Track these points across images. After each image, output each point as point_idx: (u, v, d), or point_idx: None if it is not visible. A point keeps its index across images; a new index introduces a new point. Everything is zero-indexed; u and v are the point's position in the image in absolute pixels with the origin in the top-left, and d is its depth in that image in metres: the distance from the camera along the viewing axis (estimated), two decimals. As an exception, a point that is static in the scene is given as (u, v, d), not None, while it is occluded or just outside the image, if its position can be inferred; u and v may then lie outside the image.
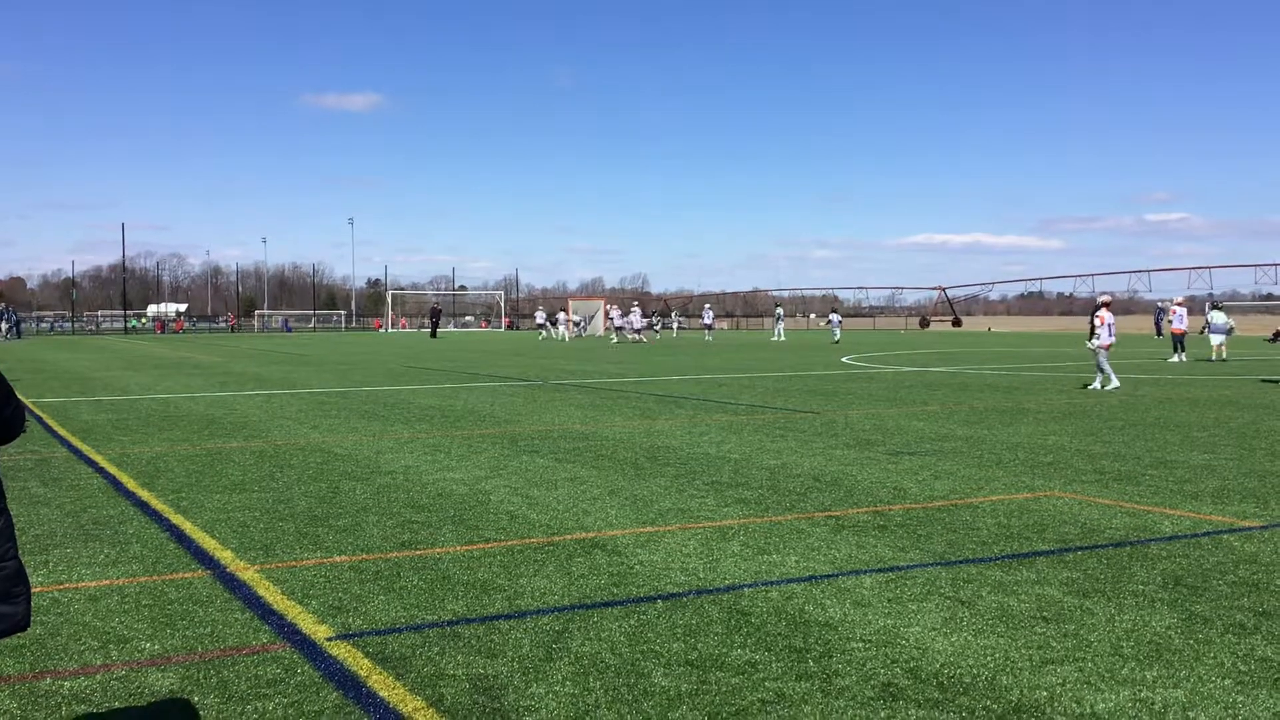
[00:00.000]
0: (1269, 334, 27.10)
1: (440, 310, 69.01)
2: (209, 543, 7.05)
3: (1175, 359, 29.43)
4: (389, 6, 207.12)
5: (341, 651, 4.82)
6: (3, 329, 62.07)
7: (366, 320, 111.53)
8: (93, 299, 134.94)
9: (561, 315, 58.79)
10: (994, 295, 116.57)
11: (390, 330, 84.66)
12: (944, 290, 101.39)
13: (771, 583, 5.95)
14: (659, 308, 79.17)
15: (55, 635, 5.09)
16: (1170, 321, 31.24)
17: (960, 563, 6.40)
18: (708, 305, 73.26)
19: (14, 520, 8.05)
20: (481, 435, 12.97)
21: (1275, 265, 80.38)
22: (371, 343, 54.93)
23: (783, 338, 52.48)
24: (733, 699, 4.24)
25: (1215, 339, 29.86)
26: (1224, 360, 29.20)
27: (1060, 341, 51.22)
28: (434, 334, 64.08)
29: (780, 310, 60.04)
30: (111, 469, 10.39)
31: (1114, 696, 4.24)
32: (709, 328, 64.62)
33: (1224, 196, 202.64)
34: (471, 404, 17.32)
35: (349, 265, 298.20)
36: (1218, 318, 30.31)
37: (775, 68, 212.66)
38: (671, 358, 34.65)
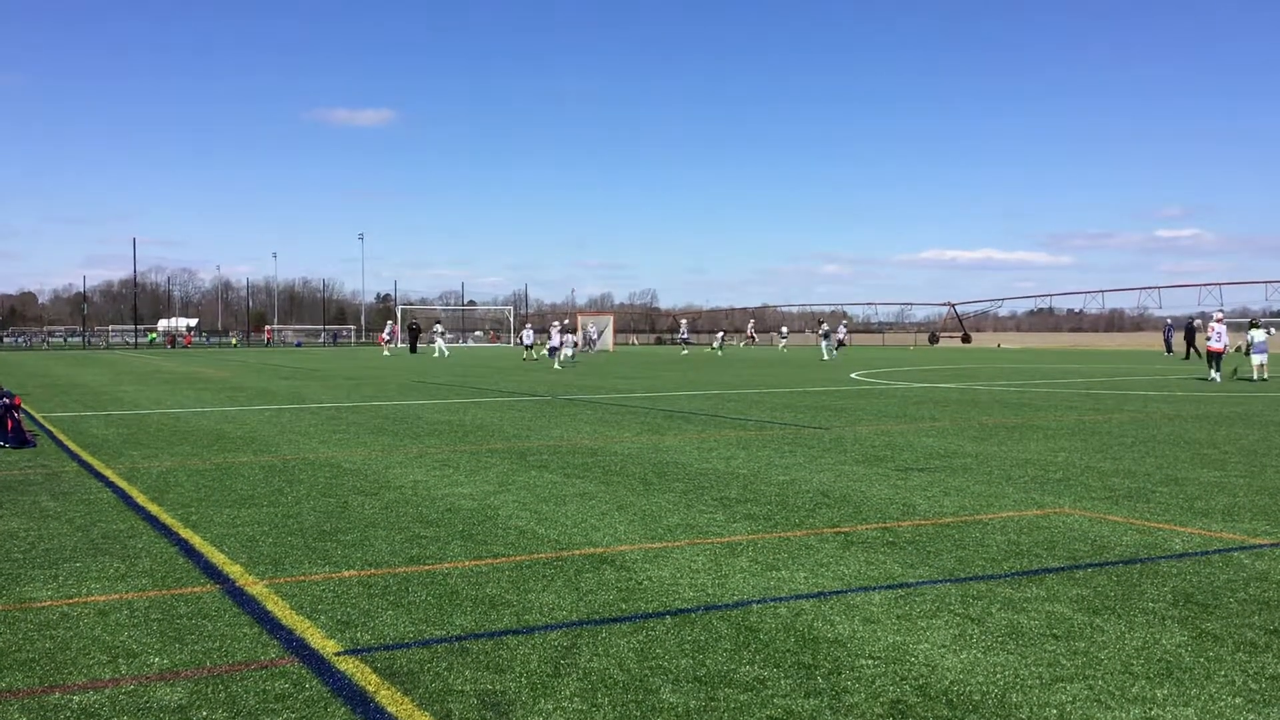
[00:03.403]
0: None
1: (419, 328, 69.26)
2: (218, 557, 7.06)
3: (1214, 377, 27.81)
4: (401, 23, 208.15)
5: (349, 666, 4.82)
6: None
7: (375, 335, 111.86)
8: (103, 313, 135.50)
9: (527, 331, 54.35)
10: (1003, 311, 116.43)
11: (399, 345, 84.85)
12: (953, 306, 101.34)
13: (780, 599, 5.94)
14: (681, 323, 79.81)
15: (64, 649, 5.10)
16: (1208, 339, 29.26)
17: (970, 580, 6.38)
18: (684, 321, 77.26)
19: (25, 534, 8.04)
20: (490, 450, 12.98)
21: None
22: (380, 358, 55.04)
23: (833, 356, 47.88)
24: (741, 716, 4.23)
25: (1257, 358, 28.31)
26: (1265, 380, 27.94)
27: (1070, 358, 51.11)
28: (413, 349, 64.33)
29: (825, 326, 55.93)
30: (121, 483, 10.42)
31: (1124, 715, 4.22)
32: (686, 342, 67.63)
33: (1236, 212, 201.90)
34: (480, 419, 17.34)
35: (359, 280, 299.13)
36: (1258, 335, 28.70)
37: (784, 83, 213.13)
38: (681, 373, 34.67)
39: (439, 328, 62.14)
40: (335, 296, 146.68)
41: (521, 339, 55.10)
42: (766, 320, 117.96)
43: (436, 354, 55.78)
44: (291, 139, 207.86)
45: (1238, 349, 32.06)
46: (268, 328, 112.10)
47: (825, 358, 47.46)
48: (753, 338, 78.74)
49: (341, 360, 51.46)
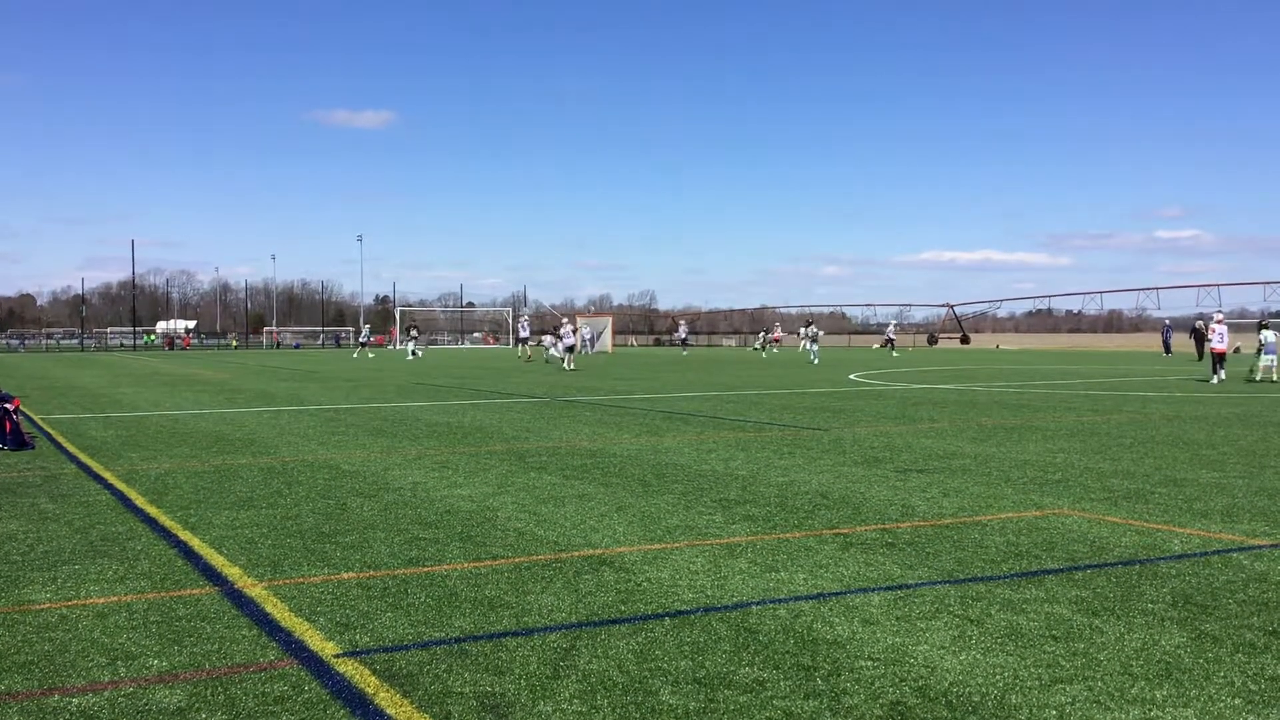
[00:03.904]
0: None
1: (418, 329, 69.61)
2: (217, 559, 7.06)
3: (1214, 379, 27.42)
4: (400, 24, 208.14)
5: (349, 668, 4.82)
6: None
7: (375, 337, 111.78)
8: (102, 315, 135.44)
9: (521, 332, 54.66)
10: (1002, 313, 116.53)
11: (396, 347, 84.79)
12: (952, 307, 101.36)
13: (779, 600, 5.94)
14: (680, 325, 78.90)
15: (64, 652, 5.09)
16: (1210, 340, 28.91)
17: (969, 581, 6.38)
18: (682, 322, 76.66)
19: (23, 536, 8.05)
20: (489, 452, 12.98)
21: (1284, 282, 79.97)
22: (379, 359, 55.00)
23: (815, 361, 45.67)
24: (741, 717, 4.23)
25: (1267, 359, 28.06)
26: (1275, 381, 27.65)
27: (1068, 359, 51.13)
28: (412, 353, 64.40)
29: (814, 329, 50.56)
30: (120, 485, 10.41)
31: (1123, 716, 4.22)
32: (685, 343, 67.30)
33: (1236, 213, 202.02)
34: (479, 420, 17.33)
35: (358, 282, 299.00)
36: (1269, 337, 28.35)
37: (783, 84, 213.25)
38: (679, 375, 34.67)
39: (413, 331, 61.86)
40: (334, 298, 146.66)
41: (517, 332, 54.64)
42: (765, 321, 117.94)
43: (409, 356, 55.02)
44: (291, 140, 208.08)
45: (1236, 350, 31.78)
46: (275, 330, 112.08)
47: (814, 361, 46.07)
48: (778, 339, 75.71)
49: (340, 362, 51.45)
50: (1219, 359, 28.17)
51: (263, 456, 12.66)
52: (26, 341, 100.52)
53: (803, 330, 49.69)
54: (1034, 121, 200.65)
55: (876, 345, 66.87)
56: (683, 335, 70.42)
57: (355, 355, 61.47)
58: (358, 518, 8.56)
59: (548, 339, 51.19)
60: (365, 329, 70.67)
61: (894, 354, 57.56)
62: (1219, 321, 28.89)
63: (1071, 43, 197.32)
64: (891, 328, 67.70)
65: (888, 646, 5.09)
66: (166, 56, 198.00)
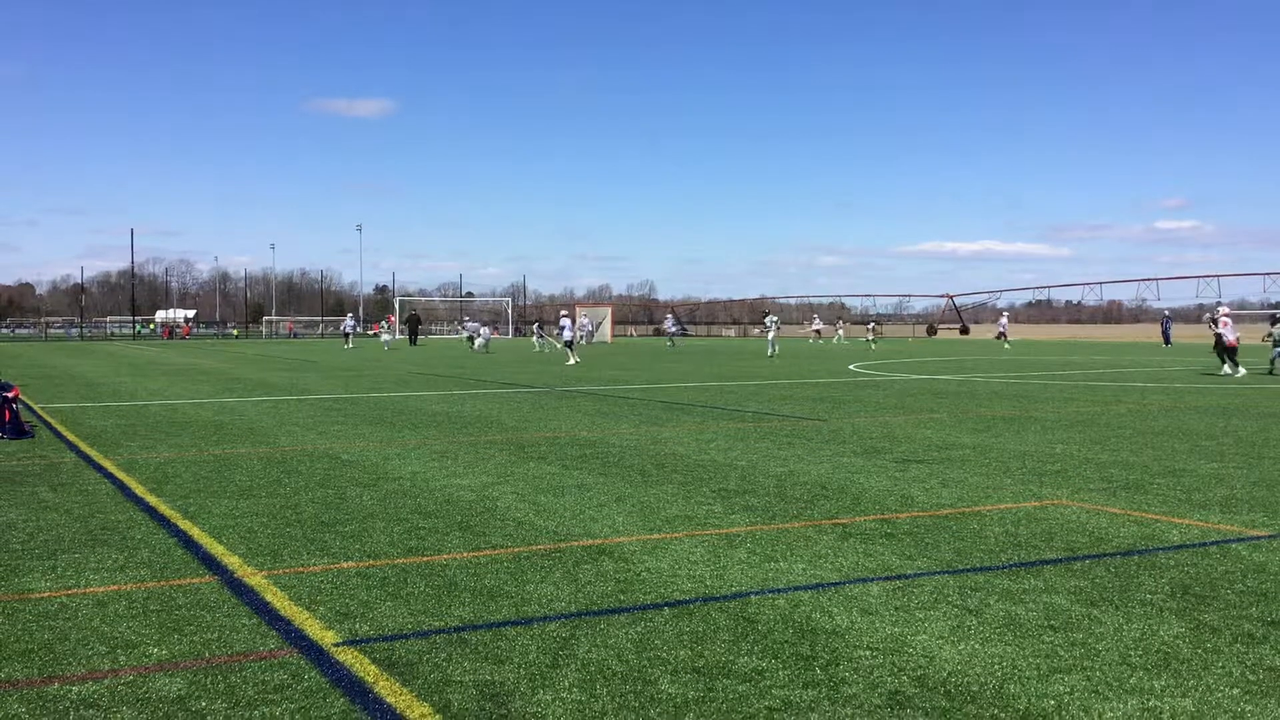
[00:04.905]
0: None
1: (419, 319, 69.68)
2: (216, 548, 7.06)
3: (1240, 372, 26.60)
4: (400, 12, 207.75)
5: (348, 657, 4.82)
6: None
7: (373, 324, 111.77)
8: (102, 304, 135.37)
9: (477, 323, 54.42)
10: (1002, 303, 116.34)
11: (398, 336, 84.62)
12: (952, 298, 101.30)
13: (778, 590, 5.95)
14: (667, 316, 78.11)
15: (64, 640, 5.10)
16: (1224, 334, 27.64)
17: (967, 571, 6.39)
18: (669, 314, 75.36)
19: (23, 525, 8.05)
20: (489, 442, 12.98)
21: (1284, 274, 79.80)
22: (376, 349, 54.96)
23: (775, 350, 43.28)
24: (740, 706, 4.23)
25: None
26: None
27: (1069, 350, 51.10)
28: (413, 341, 64.72)
29: (773, 318, 47.01)
30: (120, 474, 10.41)
31: (1122, 706, 4.23)
32: (672, 335, 66.20)
33: (1237, 203, 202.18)
34: (479, 410, 17.34)
35: (357, 271, 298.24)
36: None
37: (783, 75, 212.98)
38: (678, 366, 34.67)
39: (385, 323, 62.07)
40: (333, 287, 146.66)
41: (471, 335, 54.43)
42: (762, 312, 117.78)
43: (386, 348, 55.09)
44: (289, 128, 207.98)
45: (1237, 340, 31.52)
46: (289, 320, 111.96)
47: (769, 352, 44.26)
48: (818, 331, 70.89)
49: (339, 352, 51.43)
50: (1231, 352, 27.66)
51: (262, 446, 12.67)
52: (33, 329, 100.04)
53: (767, 321, 47.08)
54: (1034, 112, 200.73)
55: (994, 336, 59.77)
56: (669, 328, 67.62)
57: (348, 346, 61.21)
58: (357, 507, 8.57)
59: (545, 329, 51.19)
60: (348, 317, 69.85)
61: (1006, 346, 53.09)
62: (1227, 314, 28.33)
63: (1072, 33, 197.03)
64: (1004, 319, 58.68)
65: (886, 636, 5.10)
66: (165, 45, 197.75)
